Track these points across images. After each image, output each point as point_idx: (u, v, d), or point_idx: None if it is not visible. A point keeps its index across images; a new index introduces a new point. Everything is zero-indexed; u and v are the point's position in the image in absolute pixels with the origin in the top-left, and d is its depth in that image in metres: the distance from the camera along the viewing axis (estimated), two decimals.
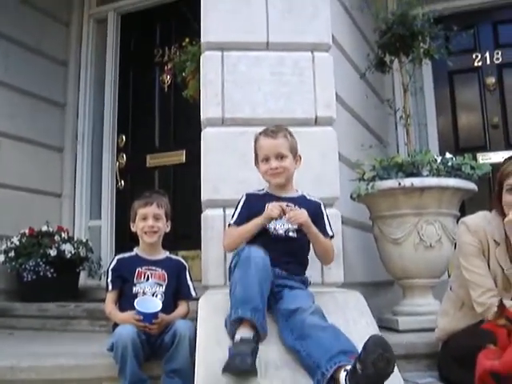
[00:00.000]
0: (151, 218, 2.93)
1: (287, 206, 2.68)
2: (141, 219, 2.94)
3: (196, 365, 2.40)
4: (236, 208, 2.85)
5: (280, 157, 2.77)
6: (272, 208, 2.67)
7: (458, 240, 2.77)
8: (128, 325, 2.64)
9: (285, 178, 2.80)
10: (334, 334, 2.35)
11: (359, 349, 2.16)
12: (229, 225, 2.85)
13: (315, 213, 2.81)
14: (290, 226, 2.74)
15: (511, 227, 2.55)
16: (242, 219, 2.79)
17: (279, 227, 2.74)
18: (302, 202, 2.80)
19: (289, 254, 2.73)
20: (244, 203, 2.85)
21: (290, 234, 2.74)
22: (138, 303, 2.70)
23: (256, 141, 2.86)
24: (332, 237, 2.85)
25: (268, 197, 2.81)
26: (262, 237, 2.73)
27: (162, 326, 2.73)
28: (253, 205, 2.80)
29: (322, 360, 2.24)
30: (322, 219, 2.84)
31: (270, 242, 2.69)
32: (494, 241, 2.64)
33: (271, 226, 2.74)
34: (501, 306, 2.22)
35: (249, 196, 2.86)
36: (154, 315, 2.70)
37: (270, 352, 2.43)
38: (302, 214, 2.67)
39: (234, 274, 2.52)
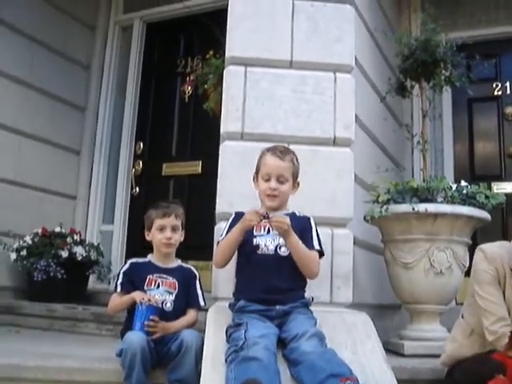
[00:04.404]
0: (169, 230, 2.95)
1: (266, 213, 2.65)
2: (158, 230, 2.96)
3: (201, 381, 2.41)
4: (225, 227, 2.84)
5: (281, 180, 2.74)
6: (250, 217, 2.62)
7: (474, 267, 2.75)
8: (139, 332, 2.67)
9: (279, 202, 2.76)
10: (327, 358, 2.34)
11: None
12: (218, 243, 2.85)
13: (304, 226, 2.78)
14: (280, 240, 2.70)
15: None
16: None
17: (269, 243, 2.71)
18: (292, 218, 2.74)
19: (284, 277, 2.69)
20: (232, 221, 2.82)
21: (283, 248, 2.70)
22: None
23: (262, 156, 2.83)
24: (320, 252, 2.78)
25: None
26: (252, 260, 2.72)
27: (167, 331, 2.76)
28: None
29: None
30: (310, 232, 2.79)
31: (262, 266, 2.68)
32: (511, 270, 2.64)
33: (261, 242, 2.71)
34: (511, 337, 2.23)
35: (238, 214, 2.81)
36: (155, 310, 2.74)
37: None
38: (285, 220, 2.60)
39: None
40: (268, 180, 2.75)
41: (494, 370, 2.22)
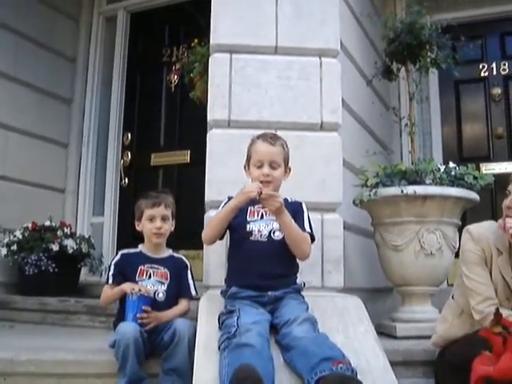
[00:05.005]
0: (159, 220, 2.95)
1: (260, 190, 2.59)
2: (148, 220, 2.96)
3: (195, 369, 2.41)
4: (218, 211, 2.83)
5: (273, 165, 2.74)
6: (250, 189, 2.60)
7: (461, 248, 2.78)
8: (131, 323, 2.68)
9: (273, 188, 2.71)
10: (319, 343, 2.35)
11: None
12: None
13: (296, 210, 2.78)
14: (274, 225, 2.72)
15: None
16: None
17: (263, 228, 2.72)
18: (285, 204, 2.73)
19: (277, 263, 2.70)
20: (225, 204, 2.80)
21: (277, 233, 2.71)
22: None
23: (252, 143, 2.82)
24: (311, 236, 2.77)
25: (250, 200, 2.72)
26: (245, 246, 2.72)
27: (160, 321, 2.77)
28: None
29: (304, 370, 2.26)
30: (302, 215, 2.79)
31: (255, 252, 2.68)
32: (498, 249, 2.65)
33: (254, 228, 2.72)
34: (497, 314, 2.26)
35: (231, 198, 2.77)
36: (147, 300, 2.75)
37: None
38: (277, 194, 2.61)
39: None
40: (260, 167, 2.74)
41: (480, 347, 2.24)
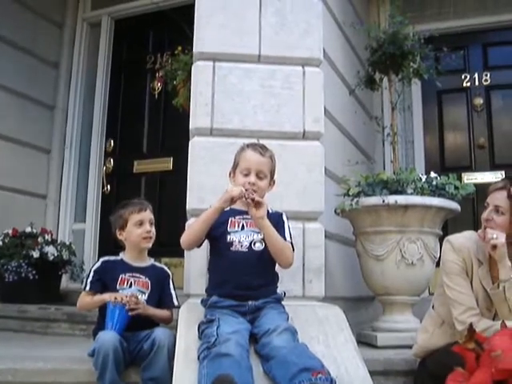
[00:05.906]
0: (148, 223, 2.96)
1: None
2: (136, 225, 2.94)
3: (173, 378, 2.39)
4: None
5: (260, 175, 2.73)
6: (232, 188, 2.62)
7: (442, 258, 2.78)
8: (111, 332, 2.65)
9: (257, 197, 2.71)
10: (298, 353, 2.33)
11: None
12: None
13: (277, 221, 2.77)
14: (254, 237, 2.71)
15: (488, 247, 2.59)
16: None
17: (243, 239, 2.70)
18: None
19: (258, 273, 2.68)
20: None
21: (257, 244, 2.69)
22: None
23: (241, 151, 2.81)
24: (292, 246, 2.75)
25: (230, 211, 2.74)
26: (225, 257, 2.70)
27: (145, 311, 2.79)
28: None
29: (284, 380, 2.24)
30: (283, 226, 2.77)
31: (236, 263, 2.67)
32: (478, 260, 2.66)
33: (235, 239, 2.70)
34: (470, 329, 2.27)
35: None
36: (127, 310, 2.73)
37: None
38: (264, 199, 2.63)
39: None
40: (247, 175, 2.73)
41: (453, 363, 2.25)
